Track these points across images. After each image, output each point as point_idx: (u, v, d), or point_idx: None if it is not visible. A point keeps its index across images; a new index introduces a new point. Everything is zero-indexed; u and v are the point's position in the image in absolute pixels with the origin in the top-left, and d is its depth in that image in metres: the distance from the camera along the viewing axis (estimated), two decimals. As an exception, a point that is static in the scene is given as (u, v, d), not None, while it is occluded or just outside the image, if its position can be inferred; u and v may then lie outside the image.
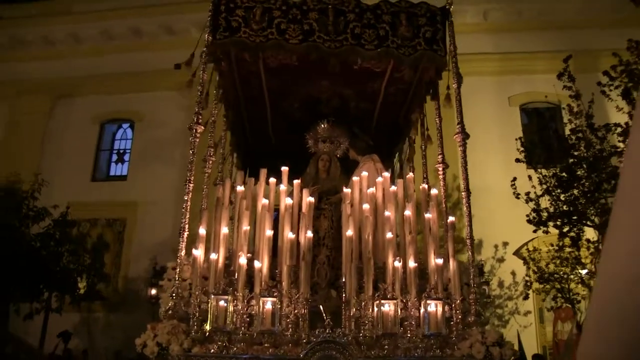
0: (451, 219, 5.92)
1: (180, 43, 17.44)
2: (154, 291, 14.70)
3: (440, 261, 5.40)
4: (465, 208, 5.65)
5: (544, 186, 11.38)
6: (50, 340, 12.79)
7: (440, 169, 6.43)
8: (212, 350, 4.94)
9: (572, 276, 12.32)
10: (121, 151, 18.41)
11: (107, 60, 17.95)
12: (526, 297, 13.79)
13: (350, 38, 5.94)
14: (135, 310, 14.57)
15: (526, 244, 13.73)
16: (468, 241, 5.55)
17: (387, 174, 6.58)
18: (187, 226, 5.46)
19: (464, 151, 5.87)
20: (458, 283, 5.33)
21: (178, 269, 5.36)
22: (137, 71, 17.49)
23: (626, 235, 0.80)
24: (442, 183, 6.33)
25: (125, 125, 18.68)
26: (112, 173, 18.19)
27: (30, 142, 17.68)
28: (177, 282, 5.32)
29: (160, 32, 18.31)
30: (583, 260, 12.02)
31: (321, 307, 5.31)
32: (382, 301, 5.05)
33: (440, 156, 6.42)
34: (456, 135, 5.92)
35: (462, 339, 5.08)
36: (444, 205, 6.44)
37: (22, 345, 12.10)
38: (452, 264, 5.42)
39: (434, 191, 6.19)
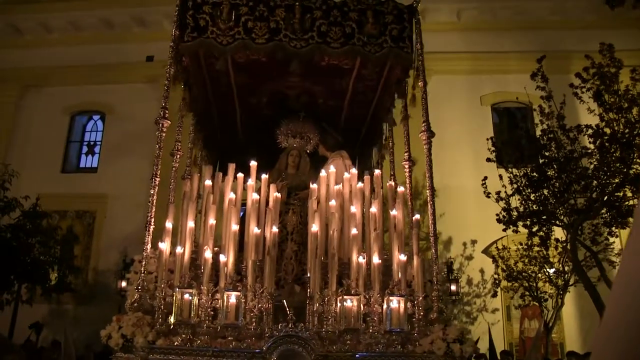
0: (416, 216, 5.98)
1: (152, 35, 17.43)
2: (124, 284, 14.69)
3: (404, 258, 5.44)
4: (429, 205, 5.70)
5: (514, 186, 11.47)
6: (19, 331, 12.70)
7: (407, 166, 6.44)
8: (176, 343, 4.95)
9: (539, 275, 12.49)
10: (91, 143, 18.30)
11: (77, 50, 17.79)
12: (494, 295, 13.92)
13: (316, 36, 5.91)
14: (104, 302, 14.52)
15: (495, 242, 13.86)
16: (432, 238, 5.59)
17: (354, 171, 6.62)
18: (153, 219, 5.46)
19: (429, 149, 5.88)
20: (421, 280, 5.38)
21: (144, 262, 5.37)
22: (109, 63, 17.37)
23: None
24: (407, 180, 6.36)
25: (96, 117, 18.57)
26: (82, 165, 18.08)
27: (-2, 132, 17.54)
28: (143, 274, 5.34)
29: (132, 23, 18.18)
30: (551, 260, 12.20)
31: (284, 301, 5.34)
32: (345, 297, 5.07)
33: (406, 154, 6.46)
34: (422, 134, 5.93)
35: (424, 335, 5.12)
36: (409, 203, 6.48)
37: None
38: (415, 261, 5.48)
39: (400, 189, 6.24)
